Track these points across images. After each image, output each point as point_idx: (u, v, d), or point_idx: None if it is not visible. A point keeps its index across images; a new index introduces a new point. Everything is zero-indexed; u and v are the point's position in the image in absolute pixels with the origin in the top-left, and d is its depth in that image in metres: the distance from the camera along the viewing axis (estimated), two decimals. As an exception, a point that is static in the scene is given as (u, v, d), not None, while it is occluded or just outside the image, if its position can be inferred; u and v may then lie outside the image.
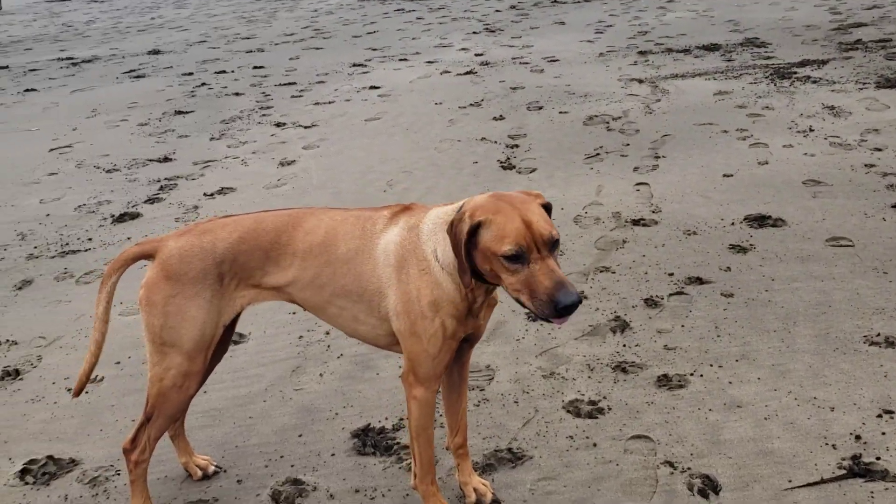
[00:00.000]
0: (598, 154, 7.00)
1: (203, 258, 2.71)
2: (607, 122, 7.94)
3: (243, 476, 3.27)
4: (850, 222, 5.20)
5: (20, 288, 5.26)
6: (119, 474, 3.34)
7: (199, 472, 3.29)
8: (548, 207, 2.46)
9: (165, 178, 7.33)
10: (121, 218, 6.39)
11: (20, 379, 4.15)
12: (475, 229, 2.34)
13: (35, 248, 5.92)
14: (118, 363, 4.22)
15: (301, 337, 4.33)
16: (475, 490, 2.98)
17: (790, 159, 6.47)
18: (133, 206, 6.66)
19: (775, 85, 8.84)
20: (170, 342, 2.75)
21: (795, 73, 9.29)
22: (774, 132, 7.20)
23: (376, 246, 2.63)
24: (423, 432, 2.74)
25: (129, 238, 5.96)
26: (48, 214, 6.63)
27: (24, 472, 3.39)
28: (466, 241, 2.35)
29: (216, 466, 3.33)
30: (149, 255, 2.84)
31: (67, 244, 5.94)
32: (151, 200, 6.77)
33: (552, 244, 2.30)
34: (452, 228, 2.38)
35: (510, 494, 3.04)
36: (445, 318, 2.53)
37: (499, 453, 3.26)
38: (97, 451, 3.50)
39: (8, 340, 4.55)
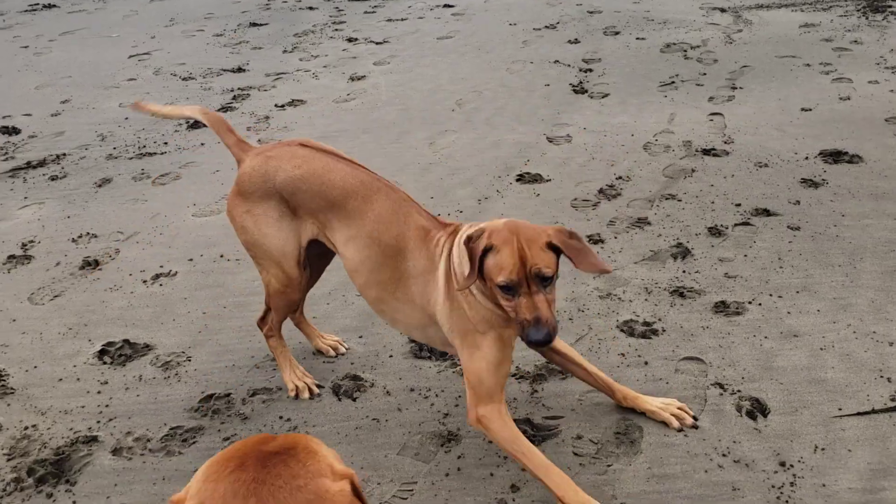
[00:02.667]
0: (672, 82, 6.84)
1: (265, 182, 2.83)
2: (685, 51, 7.71)
3: (306, 369, 3.43)
4: (931, 162, 5.02)
5: (100, 185, 5.48)
6: (189, 360, 3.54)
7: (332, 351, 3.53)
8: (555, 246, 2.44)
9: (238, 88, 7.45)
10: (195, 124, 6.55)
11: (99, 269, 4.38)
12: (486, 251, 2.46)
13: (114, 148, 6.13)
14: (191, 260, 4.41)
15: (364, 246, 4.43)
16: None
17: (874, 95, 6.22)
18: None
19: (867, 18, 8.42)
20: (258, 254, 2.98)
21: (890, 6, 8.82)
22: (860, 67, 6.90)
23: (438, 271, 2.67)
24: (514, 444, 2.57)
25: (202, 144, 6.12)
26: (127, 118, 6.83)
27: (102, 353, 3.62)
28: (480, 257, 2.47)
29: (345, 347, 3.56)
30: (236, 158, 3.02)
31: (144, 147, 6.14)
32: (224, 109, 6.91)
33: (543, 280, 2.40)
34: (470, 243, 2.49)
35: (558, 402, 3.12)
36: (499, 329, 2.59)
37: (550, 365, 3.34)
38: (170, 339, 3.70)
39: (88, 233, 4.78)
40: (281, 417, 3.16)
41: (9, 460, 3.02)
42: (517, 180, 5.12)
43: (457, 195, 4.96)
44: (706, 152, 5.35)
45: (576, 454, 2.86)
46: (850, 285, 3.78)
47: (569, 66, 7.47)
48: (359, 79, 7.53)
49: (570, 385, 3.22)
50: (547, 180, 5.09)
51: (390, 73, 7.63)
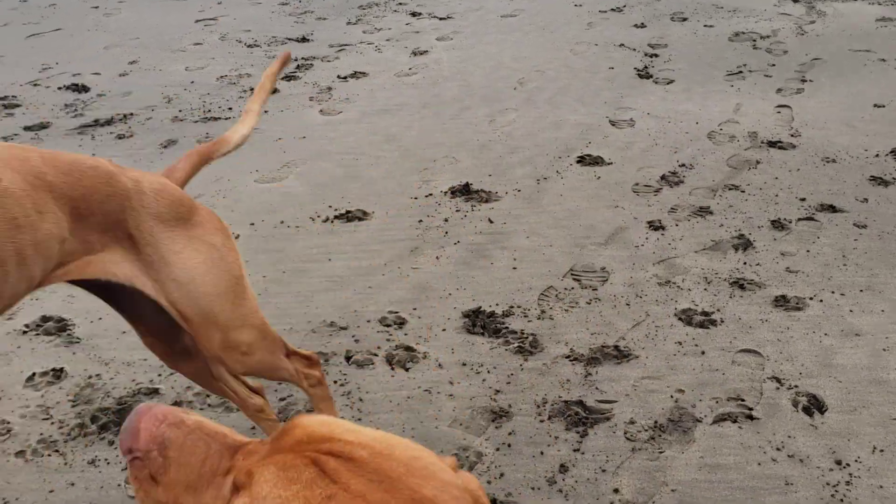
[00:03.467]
0: (740, 72, 6.70)
1: None
2: (754, 40, 7.54)
3: (360, 337, 3.48)
4: None
5: (165, 147, 5.59)
6: (248, 322, 3.60)
7: None
8: None
9: (302, 58, 7.51)
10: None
11: (164, 228, 4.48)
12: None
13: (180, 111, 6.24)
14: (252, 224, 4.48)
15: (421, 221, 4.46)
16: None
17: (952, 95, 6.03)
18: (271, 82, 6.88)
19: (948, 15, 8.14)
20: None
21: (973, 3, 8.51)
22: (939, 65, 6.68)
23: None
24: None
25: (265, 112, 6.19)
26: (193, 81, 6.94)
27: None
28: None
29: None
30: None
31: (209, 111, 6.24)
32: (288, 78, 6.97)
33: None
34: None
35: (612, 387, 3.12)
36: None
37: (605, 349, 3.34)
38: (229, 300, 3.78)
39: (154, 193, 4.88)
40: (336, 382, 3.21)
41: (73, 406, 3.13)
42: (577, 162, 5.09)
43: (515, 174, 4.95)
44: (772, 144, 5.25)
45: (628, 439, 2.86)
46: (918, 287, 3.69)
47: (634, 50, 7.37)
48: (421, 53, 7.53)
49: (624, 370, 3.22)
50: (608, 163, 5.05)
51: (453, 49, 7.61)
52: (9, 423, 3.05)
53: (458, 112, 6.00)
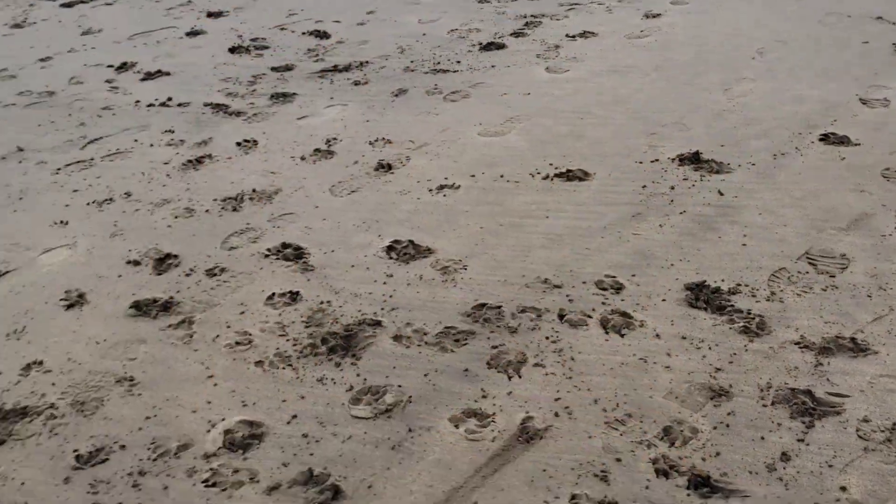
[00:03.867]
0: None
1: None
2: None
3: (575, 297, 3.46)
4: None
5: (397, 95, 5.80)
6: (465, 269, 3.70)
7: None
8: None
9: (531, 15, 7.49)
10: (487, 46, 6.69)
11: (391, 173, 4.68)
12: None
13: (412, 62, 6.45)
14: (473, 176, 4.57)
15: (644, 186, 4.34)
16: None
17: None
18: (499, 37, 6.93)
19: None
20: None
21: None
22: None
23: None
24: None
25: (493, 66, 6.25)
26: (424, 34, 7.14)
27: (389, 249, 3.89)
28: None
29: None
30: None
31: (439, 63, 6.39)
32: (516, 34, 6.98)
33: None
34: None
35: (846, 380, 2.90)
36: None
37: (840, 340, 3.10)
38: (450, 246, 3.89)
39: (384, 139, 5.11)
40: (548, 338, 3.23)
41: (306, 327, 3.37)
42: (820, 140, 4.72)
43: (750, 146, 4.68)
44: None
45: (861, 437, 2.65)
46: None
47: (894, 23, 6.68)
48: (654, 16, 7.26)
49: (860, 365, 2.98)
50: (855, 144, 4.64)
51: (688, 14, 7.28)
52: (250, 335, 3.34)
53: (690, 78, 5.75)
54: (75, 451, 2.79)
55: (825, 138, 4.73)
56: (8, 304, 3.63)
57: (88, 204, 4.48)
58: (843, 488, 2.46)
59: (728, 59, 6.06)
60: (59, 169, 4.93)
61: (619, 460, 2.63)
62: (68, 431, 2.88)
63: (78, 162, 5.01)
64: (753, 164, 4.48)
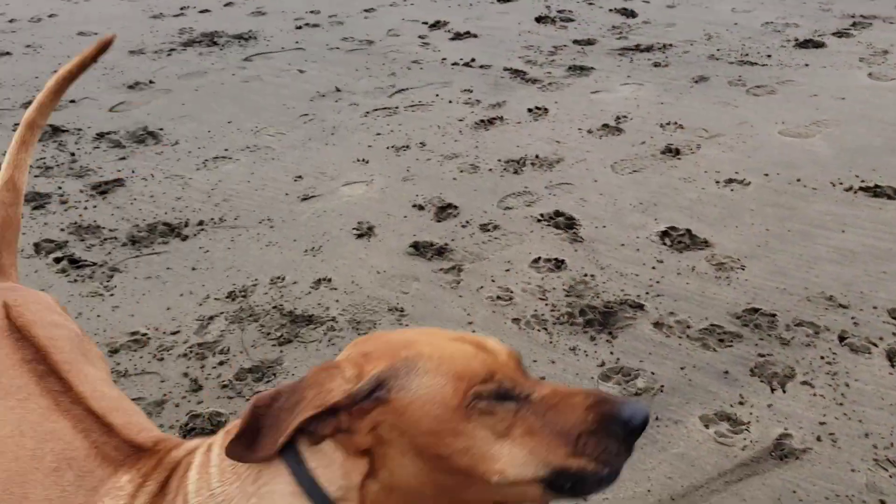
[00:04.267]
0: None
1: None
2: None
3: (861, 321, 3.17)
4: None
5: (696, 81, 5.61)
6: (743, 269, 3.52)
7: None
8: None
9: (861, 15, 6.84)
10: (804, 44, 6.23)
11: (678, 158, 4.55)
12: (381, 385, 1.21)
13: (717, 50, 6.18)
14: (766, 175, 4.31)
15: (967, 217, 3.83)
16: None
17: None
18: (819, 35, 6.42)
19: None
20: None
21: None
22: None
23: None
24: None
25: (807, 65, 5.82)
26: (736, 23, 6.79)
27: (664, 235, 3.81)
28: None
29: None
30: None
31: (747, 55, 6.06)
32: (839, 34, 6.43)
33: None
34: (286, 400, 1.21)
35: None
36: None
37: None
38: (729, 242, 3.72)
39: (676, 123, 4.97)
40: (822, 358, 2.99)
41: (566, 296, 3.41)
42: None
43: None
44: None
45: None
46: None
47: None
48: None
49: None
50: None
51: None
52: (512, 292, 3.45)
53: None
54: (346, 363, 3.08)
55: None
56: (310, 224, 4.05)
57: (388, 148, 4.85)
58: None
59: None
60: (367, 112, 5.37)
61: (882, 502, 2.40)
62: (343, 343, 3.18)
63: (385, 108, 5.43)
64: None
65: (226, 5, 8.28)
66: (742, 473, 2.53)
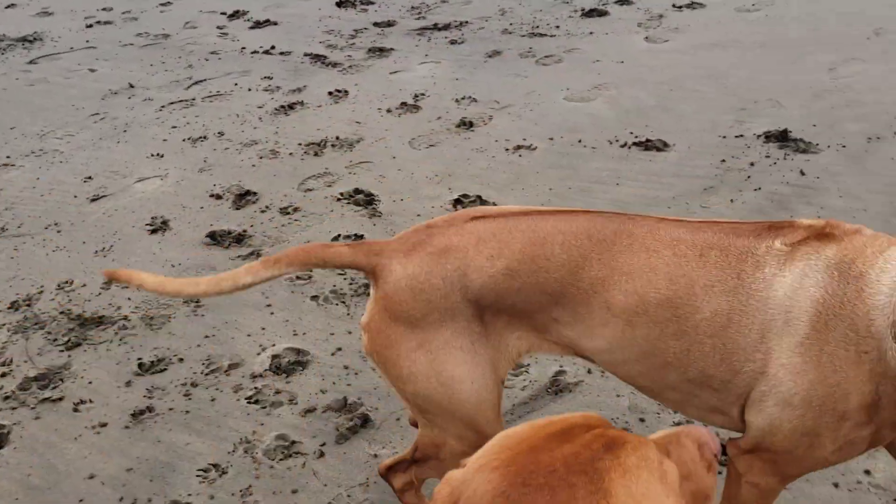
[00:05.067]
0: None
1: (447, 294, 1.79)
2: None
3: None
4: None
5: (490, 56, 5.85)
6: (527, 227, 3.75)
7: None
8: None
9: (640, -16, 7.33)
10: (589, 13, 6.62)
11: (472, 130, 4.75)
12: None
13: (510, 24, 6.46)
14: (551, 139, 4.58)
15: (723, 161, 4.24)
16: None
17: None
18: (603, 4, 6.83)
19: None
20: (434, 409, 1.87)
21: None
22: None
23: (767, 301, 1.67)
24: None
25: (591, 32, 6.19)
26: (528, -3, 7.12)
27: (457, 202, 3.97)
28: None
29: None
30: (364, 272, 1.89)
31: (538, 27, 6.38)
32: (622, 2, 6.86)
33: None
34: None
35: None
36: (883, 425, 1.67)
37: None
38: (515, 204, 3.93)
39: (470, 97, 5.17)
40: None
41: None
42: (924, 127, 4.47)
43: (844, 128, 4.48)
44: None
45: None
46: None
47: None
48: (769, -10, 6.98)
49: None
50: (962, 133, 4.38)
51: (807, -11, 6.95)
52: (310, 271, 3.51)
53: (796, 56, 5.52)
54: (139, 359, 3.04)
55: (930, 125, 4.48)
56: (100, 224, 3.93)
57: (184, 140, 4.76)
58: None
59: (840, 39, 5.78)
60: (163, 106, 5.25)
61: (642, 420, 2.65)
62: (136, 342, 3.13)
63: (181, 101, 5.32)
64: (844, 147, 4.30)
65: (7, 7, 7.80)
66: (522, 411, 2.72)
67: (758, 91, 5.00)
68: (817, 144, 4.34)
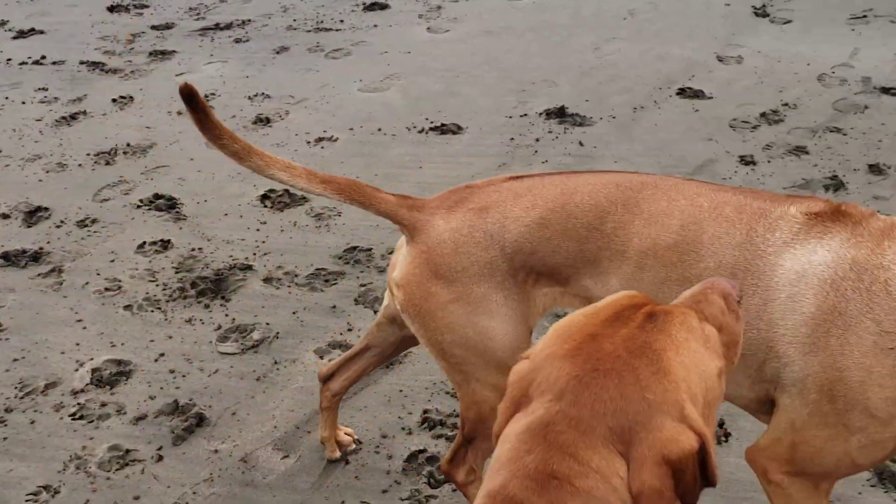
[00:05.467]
0: (864, 16, 6.39)
1: (486, 248, 1.87)
2: (887, -16, 7.14)
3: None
4: None
5: (278, 52, 5.85)
6: (339, 215, 3.84)
7: (338, 453, 2.55)
8: None
9: (416, -23, 7.60)
10: (371, 6, 6.78)
11: (269, 126, 4.75)
12: None
13: (294, 20, 6.48)
14: (351, 129, 4.70)
15: (512, 139, 4.56)
16: None
17: None
18: (383, -2, 7.03)
19: None
20: (470, 360, 1.95)
21: None
22: None
23: (774, 267, 1.68)
24: None
25: (375, 25, 6.35)
26: (309, -6, 7.16)
27: (264, 198, 3.99)
28: None
29: (356, 441, 2.60)
30: (402, 225, 1.97)
31: (322, 22, 6.45)
32: (400, -5, 7.09)
33: None
34: None
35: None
36: None
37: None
38: (323, 194, 4.02)
39: (263, 94, 5.16)
40: (413, 276, 3.41)
41: (176, 273, 3.45)
42: (677, 94, 5.05)
43: (612, 101, 4.97)
44: (885, 91, 5.05)
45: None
46: None
47: (755, -12, 7.11)
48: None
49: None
50: (708, 97, 4.99)
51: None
52: (120, 281, 3.40)
53: (563, 39, 6.00)
54: (-61, 393, 2.82)
55: (682, 92, 5.06)
56: None
57: (-46, 160, 4.39)
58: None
59: (600, 21, 6.34)
60: (-78, 126, 4.79)
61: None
62: (-69, 376, 2.90)
63: (-57, 119, 4.88)
64: (614, 118, 4.77)
65: None
66: (356, 388, 2.82)
67: (533, 72, 5.39)
68: (591, 118, 4.77)
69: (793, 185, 4.03)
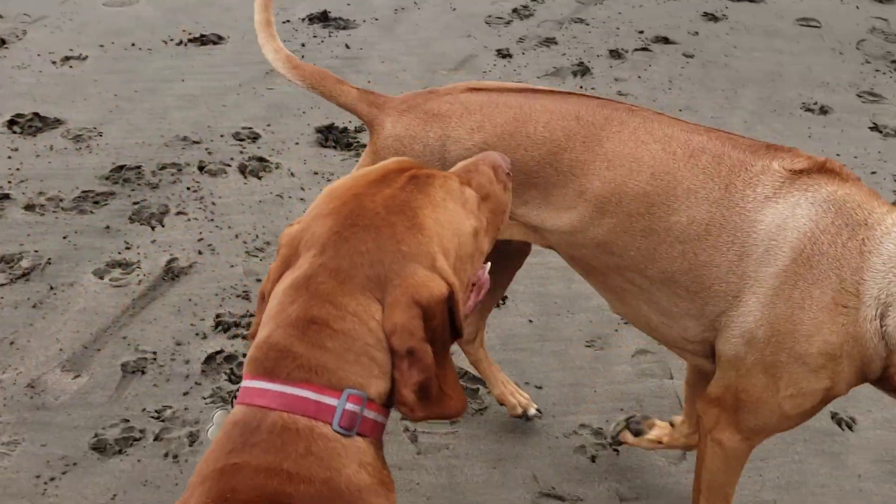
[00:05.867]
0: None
1: (424, 156, 1.81)
2: None
3: (214, 150, 3.59)
4: (824, 5, 5.32)
5: None
6: (101, 135, 3.64)
7: (518, 409, 2.42)
8: None
9: None
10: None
11: (5, 48, 4.33)
12: None
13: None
14: (102, 46, 4.40)
15: (279, 46, 4.49)
16: None
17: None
18: None
19: None
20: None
21: None
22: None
23: (753, 223, 1.63)
24: (719, 492, 1.88)
25: None
26: None
27: (11, 123, 3.68)
28: None
29: (535, 408, 2.46)
30: (363, 120, 1.95)
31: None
32: None
33: None
34: None
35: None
36: (839, 379, 1.63)
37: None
38: (80, 115, 3.78)
39: (-6, 14, 4.68)
40: (189, 189, 3.34)
41: (-80, 211, 3.14)
42: (431, -6, 5.19)
43: (373, 4, 5.01)
44: (620, -17, 5.50)
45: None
46: (728, 107, 4.11)
47: None
48: None
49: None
50: (462, -4, 5.18)
51: None
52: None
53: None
54: None
55: (439, -7, 5.21)
56: None
57: None
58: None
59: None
60: None
61: (259, 280, 2.88)
62: None
63: None
64: (377, 20, 4.83)
65: None
66: (143, 303, 2.77)
67: (293, -22, 5.29)
68: (354, 20, 4.80)
69: (546, 74, 4.34)
